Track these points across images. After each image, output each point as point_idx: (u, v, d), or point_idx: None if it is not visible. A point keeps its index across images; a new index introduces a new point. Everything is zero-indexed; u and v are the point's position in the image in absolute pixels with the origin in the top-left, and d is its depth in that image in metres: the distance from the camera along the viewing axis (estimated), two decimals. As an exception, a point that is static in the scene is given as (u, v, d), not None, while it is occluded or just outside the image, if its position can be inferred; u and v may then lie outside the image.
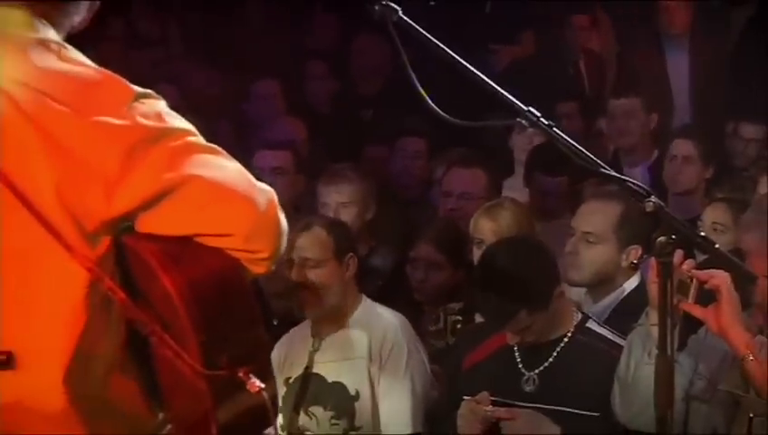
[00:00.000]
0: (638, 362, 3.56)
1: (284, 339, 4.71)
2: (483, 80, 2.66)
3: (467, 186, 5.63)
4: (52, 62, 2.51)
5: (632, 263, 4.41)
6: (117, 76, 2.52)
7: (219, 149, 2.55)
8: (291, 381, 4.58)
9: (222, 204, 2.50)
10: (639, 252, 4.51)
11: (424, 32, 2.65)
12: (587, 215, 4.69)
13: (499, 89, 2.65)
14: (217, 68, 8.06)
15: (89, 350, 2.52)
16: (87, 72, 2.52)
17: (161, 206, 2.47)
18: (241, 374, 2.50)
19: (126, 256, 2.52)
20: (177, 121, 2.53)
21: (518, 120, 2.63)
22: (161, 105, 2.52)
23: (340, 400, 4.54)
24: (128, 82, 2.52)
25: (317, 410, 4.56)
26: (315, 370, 4.59)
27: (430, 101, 2.64)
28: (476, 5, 8.52)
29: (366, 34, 7.70)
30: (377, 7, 2.62)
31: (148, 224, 2.49)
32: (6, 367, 2.50)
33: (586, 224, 4.64)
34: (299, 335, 4.68)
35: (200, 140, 2.53)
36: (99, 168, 2.43)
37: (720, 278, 3.12)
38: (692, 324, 3.40)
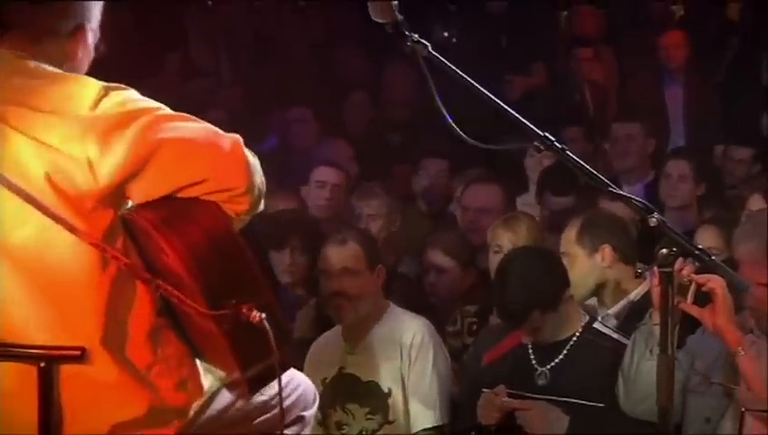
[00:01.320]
0: (640, 358, 3.55)
1: (319, 341, 4.71)
2: (502, 107, 2.66)
3: (485, 201, 5.61)
4: (25, 77, 2.59)
5: (637, 272, 4.40)
6: (83, 76, 2.64)
7: (187, 115, 2.61)
8: (327, 380, 4.55)
9: (191, 156, 2.56)
10: (609, 248, 4.52)
11: (450, 65, 2.64)
12: (562, 240, 4.68)
13: (518, 116, 2.64)
14: (262, 96, 8.08)
15: (119, 314, 2.57)
16: (59, 76, 2.61)
17: (143, 173, 2.53)
18: (244, 310, 2.54)
19: (131, 230, 2.58)
20: (143, 103, 2.59)
21: (534, 143, 2.62)
22: (129, 93, 2.59)
23: (374, 397, 4.52)
24: (94, 80, 2.61)
25: (353, 406, 4.54)
26: (349, 370, 4.56)
27: (455, 126, 2.63)
28: (493, 41, 8.52)
29: (397, 66, 7.70)
30: (409, 43, 2.62)
31: (138, 193, 2.56)
32: (81, 361, 2.54)
33: (561, 247, 4.64)
34: (332, 338, 4.66)
35: (167, 111, 2.59)
36: (80, 154, 2.50)
37: (716, 282, 3.12)
38: (690, 326, 3.39)
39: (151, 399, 2.61)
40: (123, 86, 2.61)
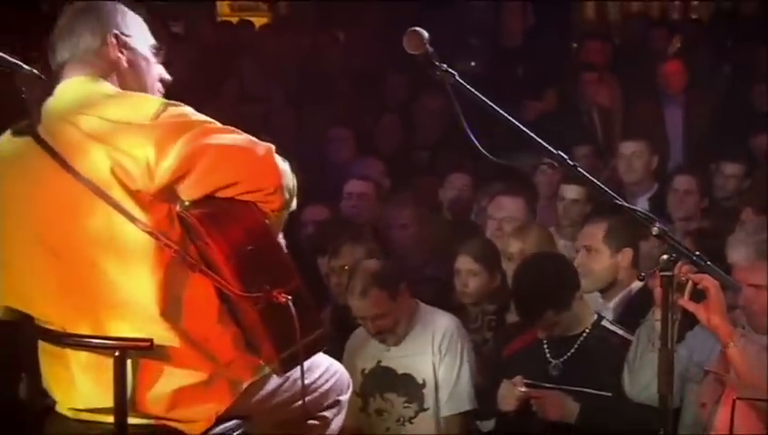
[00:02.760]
0: (643, 350, 3.55)
1: (357, 333, 4.70)
2: (521, 128, 2.66)
3: (509, 211, 5.58)
4: (100, 96, 2.71)
5: (640, 276, 4.40)
6: (148, 94, 2.77)
7: (231, 128, 2.70)
8: (365, 372, 4.56)
9: (229, 161, 2.64)
10: (631, 253, 4.52)
11: (474, 91, 2.65)
12: (584, 233, 4.73)
13: (535, 136, 2.65)
14: (309, 118, 8.11)
15: (175, 293, 2.65)
16: (127, 97, 2.74)
17: (190, 175, 2.62)
18: (274, 293, 2.61)
19: (185, 224, 2.65)
20: (195, 116, 2.68)
21: (550, 160, 2.63)
22: (184, 109, 2.69)
23: (410, 388, 4.53)
24: (155, 97, 2.76)
25: (391, 396, 4.55)
26: (385, 364, 4.57)
27: (477, 144, 2.65)
28: (510, 70, 8.52)
29: (427, 92, 7.71)
30: (438, 72, 2.64)
31: (185, 191, 2.65)
32: (149, 351, 2.61)
33: (584, 240, 4.68)
34: (367, 334, 4.64)
35: (214, 124, 2.69)
36: (142, 157, 2.59)
37: (710, 281, 3.11)
38: (688, 323, 3.38)
39: (211, 368, 2.66)
40: (180, 103, 2.70)
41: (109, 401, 2.63)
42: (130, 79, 2.81)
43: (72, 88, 2.75)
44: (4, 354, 3.16)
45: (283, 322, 2.62)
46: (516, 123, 2.66)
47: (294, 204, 2.77)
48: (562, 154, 2.64)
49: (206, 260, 2.65)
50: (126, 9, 2.86)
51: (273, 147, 2.70)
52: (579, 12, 11.23)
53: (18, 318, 2.76)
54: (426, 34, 2.60)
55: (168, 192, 2.63)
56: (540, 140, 2.64)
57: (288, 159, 2.75)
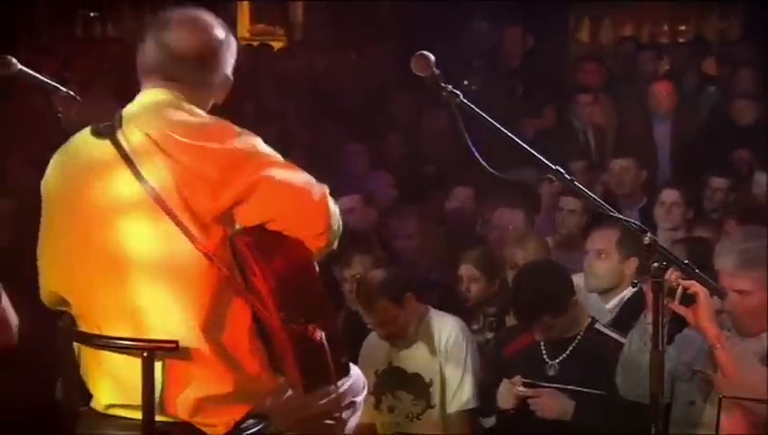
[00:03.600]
0: (636, 351, 3.54)
1: (370, 338, 4.70)
2: (521, 145, 2.67)
3: (510, 221, 5.62)
4: (181, 116, 2.65)
5: (633, 282, 4.39)
6: (227, 122, 2.68)
7: (293, 164, 2.67)
8: (378, 372, 4.56)
9: (284, 198, 2.61)
10: (637, 262, 4.53)
11: (477, 110, 2.65)
12: (597, 237, 4.73)
13: (534, 152, 2.65)
14: (323, 134, 8.12)
15: (219, 310, 2.61)
16: (205, 119, 2.69)
17: (249, 201, 2.59)
18: (310, 328, 2.60)
19: (234, 248, 2.62)
20: (263, 148, 2.65)
21: (549, 175, 2.63)
22: (254, 139, 2.65)
23: (418, 386, 4.53)
24: (231, 123, 2.67)
25: (401, 394, 4.55)
26: (396, 364, 4.57)
27: (480, 159, 2.65)
28: (511, 90, 8.51)
29: (434, 110, 7.72)
30: (444, 93, 2.64)
31: (242, 216, 2.61)
32: (175, 352, 2.60)
33: (597, 243, 4.67)
34: (377, 339, 4.65)
35: (279, 158, 2.66)
36: (207, 177, 2.56)
37: (699, 286, 3.10)
38: (678, 326, 3.38)
39: (237, 380, 2.64)
40: (251, 133, 2.66)
41: (138, 399, 2.63)
42: (205, 95, 2.75)
43: (155, 101, 2.69)
44: (42, 358, 3.16)
45: (312, 355, 2.61)
46: (517, 140, 2.66)
47: (336, 244, 2.73)
48: (560, 169, 2.64)
49: (249, 285, 2.62)
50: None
51: (327, 190, 2.68)
52: (574, 35, 11.27)
53: (58, 306, 2.74)
54: (432, 58, 2.60)
55: (226, 216, 2.60)
56: (539, 156, 2.64)
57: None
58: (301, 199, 2.62)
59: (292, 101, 8.81)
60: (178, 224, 2.55)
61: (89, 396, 2.78)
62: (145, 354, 2.60)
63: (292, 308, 2.59)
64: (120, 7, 9.91)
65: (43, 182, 2.74)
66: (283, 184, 2.61)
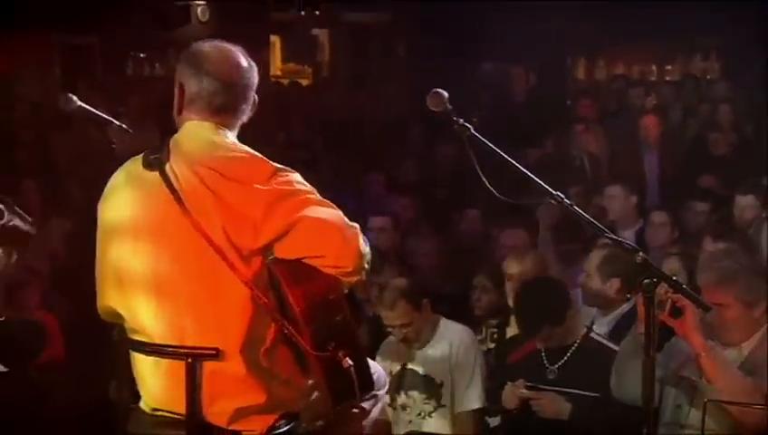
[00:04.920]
0: (628, 358, 3.52)
1: (387, 341, 4.66)
2: (524, 172, 2.65)
3: (515, 241, 5.60)
4: (225, 151, 2.61)
5: (627, 296, 4.37)
6: (264, 158, 2.63)
7: (328, 202, 2.63)
8: (393, 373, 4.52)
9: (320, 237, 2.57)
10: (618, 283, 4.50)
11: (485, 141, 2.65)
12: (587, 260, 4.70)
13: (538, 180, 2.63)
14: (346, 161, 8.14)
15: (255, 332, 2.58)
16: (246, 156, 2.62)
17: (287, 237, 2.55)
18: (340, 355, 2.58)
19: (271, 276, 2.59)
20: (301, 186, 2.60)
21: (550, 199, 2.62)
22: (293, 176, 2.61)
23: (429, 387, 4.50)
24: (269, 161, 2.62)
25: (414, 393, 4.52)
26: (410, 366, 4.54)
27: (488, 184, 2.64)
28: (515, 121, 8.52)
29: (446, 141, 7.72)
30: (456, 126, 2.63)
31: (280, 250, 2.58)
32: (215, 358, 2.59)
33: (586, 267, 4.64)
34: (395, 341, 4.61)
35: (316, 196, 2.61)
36: (250, 216, 2.53)
37: (686, 300, 3.09)
38: (666, 335, 3.36)
39: (270, 391, 2.62)
40: (290, 170, 2.62)
41: (179, 406, 2.62)
42: (243, 118, 2.72)
43: (198, 135, 2.63)
44: (98, 363, 3.17)
45: (340, 378, 2.59)
46: (521, 167, 2.65)
47: (365, 275, 2.68)
48: (560, 194, 2.63)
49: (283, 308, 2.59)
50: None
51: (359, 228, 2.64)
52: (571, 74, 11.29)
53: (112, 319, 2.73)
54: (446, 95, 2.60)
55: (266, 249, 2.57)
56: (541, 182, 2.63)
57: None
58: (334, 239, 2.57)
59: (318, 132, 8.85)
60: (221, 255, 2.52)
61: (138, 396, 2.77)
62: (189, 360, 2.59)
63: (323, 334, 2.57)
64: (166, 50, 9.97)
65: (99, 205, 2.73)
66: (319, 223, 2.56)
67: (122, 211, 2.66)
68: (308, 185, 2.63)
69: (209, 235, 2.52)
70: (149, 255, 2.61)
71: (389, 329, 4.55)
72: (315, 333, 2.56)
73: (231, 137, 2.67)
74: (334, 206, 2.63)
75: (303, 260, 2.58)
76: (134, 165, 2.68)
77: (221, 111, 2.66)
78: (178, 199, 2.55)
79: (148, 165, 2.62)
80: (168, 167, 2.60)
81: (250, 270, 2.54)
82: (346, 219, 2.63)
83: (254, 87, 2.73)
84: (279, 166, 2.61)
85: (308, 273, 2.58)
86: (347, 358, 2.58)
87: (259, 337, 2.59)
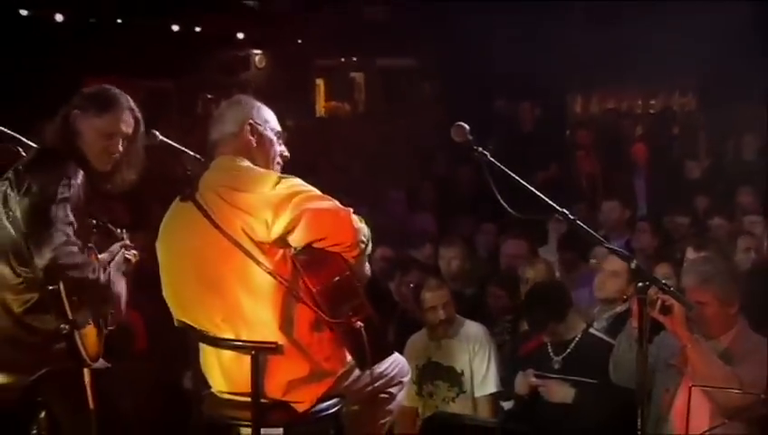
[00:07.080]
0: (624, 350, 3.49)
1: (413, 338, 4.63)
2: (534, 192, 2.64)
3: (516, 251, 5.56)
4: (235, 172, 2.72)
5: (623, 299, 4.33)
6: (269, 171, 2.74)
7: (326, 196, 2.69)
8: (419, 366, 4.50)
9: (320, 222, 2.63)
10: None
11: (501, 165, 2.64)
12: (610, 260, 4.47)
13: (547, 199, 2.61)
14: (381, 183, 8.15)
15: (287, 312, 2.65)
16: (252, 172, 2.73)
17: (296, 230, 2.62)
18: (353, 319, 2.63)
19: (294, 264, 2.65)
20: (301, 186, 2.67)
21: (556, 215, 2.60)
22: (294, 180, 2.69)
23: (452, 376, 4.47)
24: (274, 172, 2.74)
25: (439, 382, 4.49)
26: (434, 359, 4.51)
27: (503, 202, 2.63)
28: (524, 147, 8.48)
29: (465, 164, 7.71)
30: (475, 153, 2.64)
31: (293, 240, 2.65)
32: (276, 352, 2.62)
33: (611, 265, 4.43)
34: (419, 338, 4.60)
35: (315, 192, 2.68)
36: (262, 217, 2.61)
37: (673, 300, 3.06)
38: (656, 329, 3.33)
39: (309, 365, 2.66)
40: (290, 176, 2.72)
41: (245, 385, 2.65)
42: (257, 155, 2.80)
43: (219, 165, 2.78)
44: (175, 355, 3.19)
45: (354, 340, 2.64)
46: (531, 188, 2.64)
47: (370, 249, 2.75)
48: (565, 211, 2.62)
49: (304, 291, 2.66)
50: (260, 104, 2.88)
51: (351, 211, 2.70)
52: (570, 108, 11.27)
53: (186, 326, 2.79)
54: (467, 127, 2.60)
55: (281, 241, 2.64)
56: (548, 200, 2.62)
57: (365, 215, 2.74)
58: (331, 222, 2.65)
59: (357, 159, 8.87)
60: (247, 254, 2.61)
61: (208, 385, 2.81)
62: (253, 353, 2.63)
63: (339, 305, 2.63)
64: (231, 91, 10.08)
65: (156, 245, 2.85)
66: (319, 212, 2.64)
67: (169, 235, 2.79)
68: (307, 185, 2.70)
69: (236, 239, 2.61)
70: (195, 264, 2.70)
71: (428, 313, 4.49)
72: (331, 306, 2.62)
73: (246, 163, 2.76)
74: (329, 198, 2.70)
75: (312, 245, 2.64)
76: (174, 204, 2.81)
77: (248, 147, 2.79)
78: (207, 216, 2.65)
79: (183, 198, 2.74)
80: (197, 195, 2.71)
81: (271, 261, 2.62)
82: (339, 204, 2.69)
83: (258, 128, 2.81)
84: (282, 175, 2.72)
85: (319, 258, 2.65)
86: (358, 321, 2.62)
87: (292, 317, 2.64)
